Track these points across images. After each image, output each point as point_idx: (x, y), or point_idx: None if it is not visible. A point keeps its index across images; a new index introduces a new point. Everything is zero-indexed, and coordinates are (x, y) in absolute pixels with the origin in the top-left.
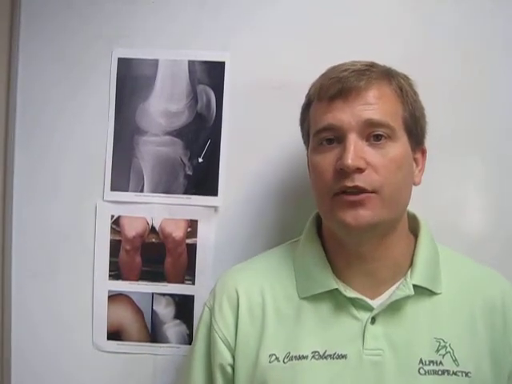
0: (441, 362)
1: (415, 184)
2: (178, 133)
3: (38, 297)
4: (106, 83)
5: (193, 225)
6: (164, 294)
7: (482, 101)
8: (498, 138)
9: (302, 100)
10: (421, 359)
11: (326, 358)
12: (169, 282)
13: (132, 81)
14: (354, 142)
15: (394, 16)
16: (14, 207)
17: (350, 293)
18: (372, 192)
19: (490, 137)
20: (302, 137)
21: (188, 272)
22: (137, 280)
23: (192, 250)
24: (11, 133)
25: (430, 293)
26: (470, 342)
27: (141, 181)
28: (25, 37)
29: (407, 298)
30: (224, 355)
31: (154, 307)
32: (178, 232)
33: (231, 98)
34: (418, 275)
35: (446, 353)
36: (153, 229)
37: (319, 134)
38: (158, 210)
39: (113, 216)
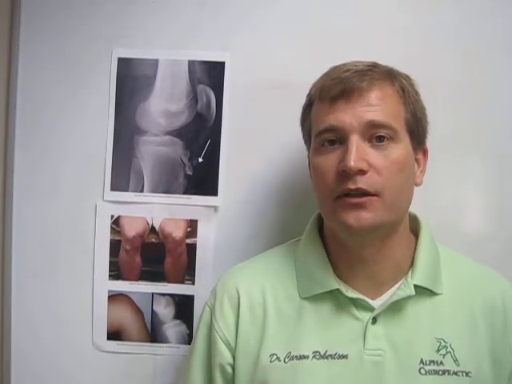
0: (441, 362)
1: (417, 185)
2: (177, 133)
3: (37, 297)
4: (106, 83)
5: (193, 225)
6: (164, 294)
7: (482, 101)
8: (498, 138)
9: (302, 100)
10: (421, 359)
11: (326, 357)
12: (169, 281)
13: (132, 81)
14: (356, 143)
15: (394, 16)
16: (13, 207)
17: (351, 293)
18: (374, 195)
19: (490, 137)
20: (303, 137)
21: (188, 272)
22: (137, 280)
23: (192, 249)
24: (11, 133)
25: (431, 293)
26: (471, 342)
27: (141, 181)
28: (25, 37)
29: (408, 298)
30: (224, 355)
31: (153, 307)
32: (177, 232)
33: (231, 98)
34: (419, 275)
35: (447, 353)
36: (153, 229)
37: (321, 135)
38: (157, 209)
39: (113, 216)
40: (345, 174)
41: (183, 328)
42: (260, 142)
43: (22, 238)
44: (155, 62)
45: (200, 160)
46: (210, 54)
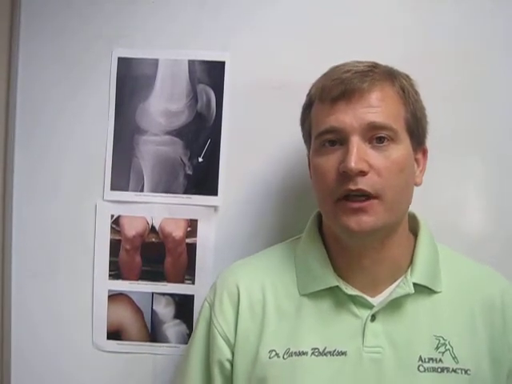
0: (440, 360)
1: (416, 185)
2: (177, 132)
3: (37, 297)
4: (106, 83)
5: (193, 224)
6: (164, 294)
7: (482, 101)
8: (498, 138)
9: (302, 100)
10: (420, 356)
11: (325, 354)
12: (169, 281)
13: (132, 80)
14: (356, 144)
15: (394, 16)
16: (13, 207)
17: (351, 290)
18: (375, 197)
19: (490, 137)
20: (303, 137)
21: (188, 272)
22: (137, 280)
23: (192, 249)
24: (11, 133)
25: (430, 291)
26: (470, 339)
27: (141, 180)
28: (25, 37)
29: (407, 296)
30: (223, 351)
31: (153, 307)
32: (177, 232)
33: (231, 98)
34: (418, 273)
35: (446, 350)
36: (153, 228)
37: (321, 135)
38: (157, 209)
39: (113, 216)
40: (345, 175)
41: (183, 328)
42: (260, 142)
43: (21, 238)
44: (155, 62)
45: (200, 160)
46: (210, 53)
